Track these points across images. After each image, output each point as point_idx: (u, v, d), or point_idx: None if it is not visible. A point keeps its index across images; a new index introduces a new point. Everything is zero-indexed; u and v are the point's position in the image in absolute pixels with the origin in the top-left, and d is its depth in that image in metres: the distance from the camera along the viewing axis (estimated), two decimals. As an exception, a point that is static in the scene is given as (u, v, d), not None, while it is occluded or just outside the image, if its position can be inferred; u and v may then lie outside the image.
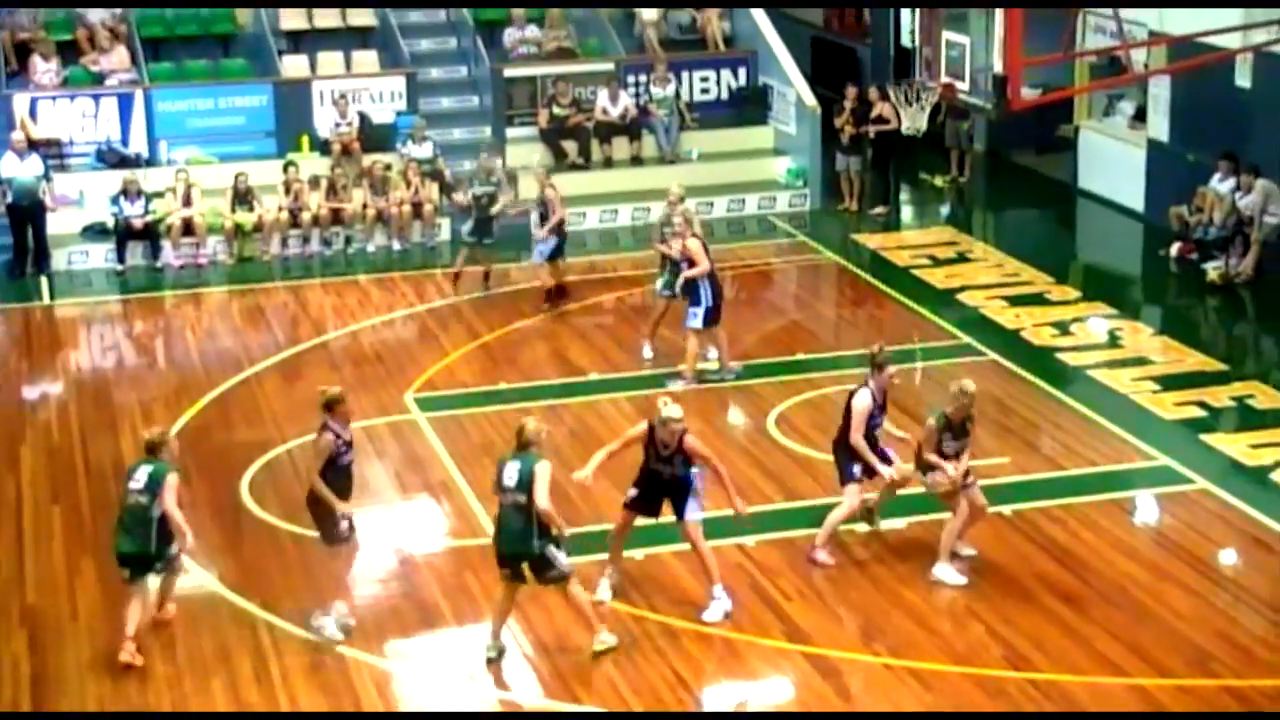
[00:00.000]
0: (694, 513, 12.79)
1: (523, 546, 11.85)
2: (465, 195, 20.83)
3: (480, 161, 21.02)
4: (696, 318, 17.14)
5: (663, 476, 12.81)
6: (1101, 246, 23.65)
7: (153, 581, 12.48)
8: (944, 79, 18.30)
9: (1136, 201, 23.50)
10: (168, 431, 13.23)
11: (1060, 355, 18.27)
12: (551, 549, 11.86)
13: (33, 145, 21.73)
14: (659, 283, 18.02)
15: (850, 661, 12.08)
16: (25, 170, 21.23)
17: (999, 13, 17.02)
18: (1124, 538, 14.02)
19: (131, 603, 12.20)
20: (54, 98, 22.93)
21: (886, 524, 14.01)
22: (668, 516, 13.10)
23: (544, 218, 19.62)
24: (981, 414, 16.24)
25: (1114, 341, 18.72)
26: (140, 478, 12.26)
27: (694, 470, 12.73)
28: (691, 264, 17.12)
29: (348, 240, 22.50)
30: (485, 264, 20.62)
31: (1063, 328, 19.05)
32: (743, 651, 12.27)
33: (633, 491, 12.97)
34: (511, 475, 11.86)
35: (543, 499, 11.73)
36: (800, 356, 18.27)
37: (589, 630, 12.20)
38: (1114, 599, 12.93)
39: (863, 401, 13.44)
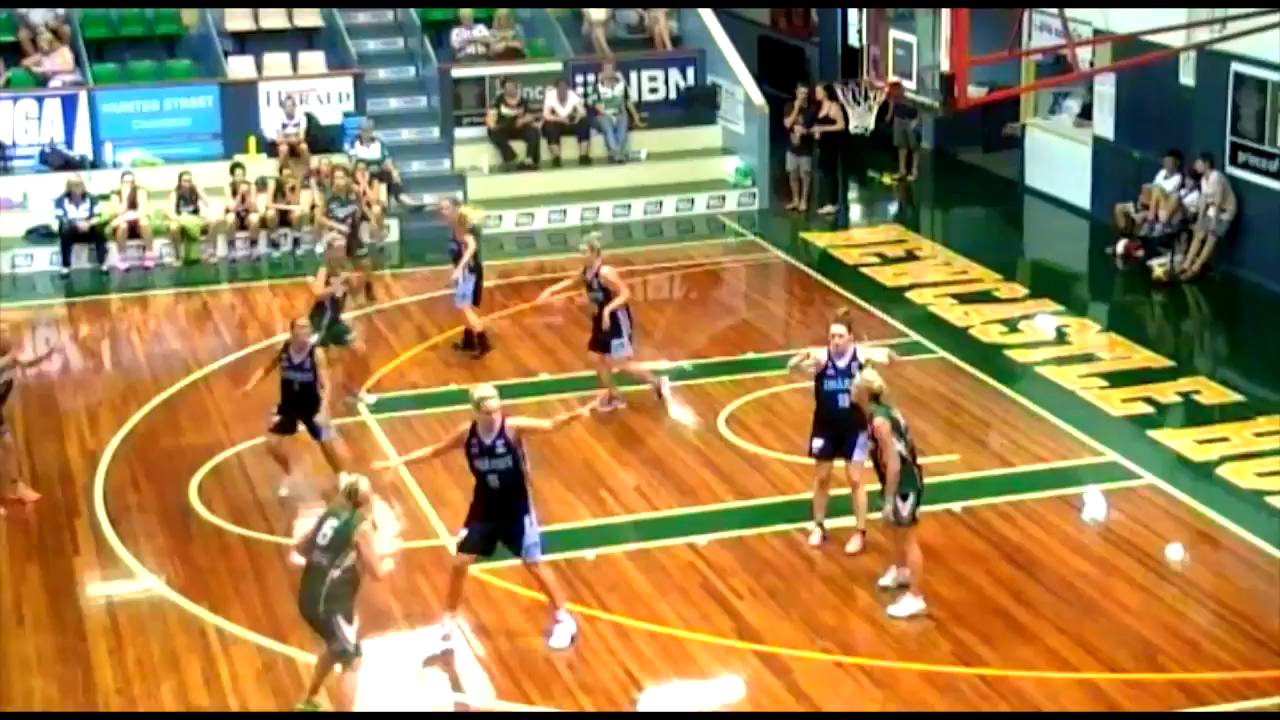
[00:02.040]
0: (533, 553, 12.15)
1: (311, 610, 10.92)
2: (329, 219, 20.48)
3: (337, 182, 20.76)
4: (623, 347, 16.38)
5: (489, 484, 11.94)
6: (1048, 244, 23.78)
7: None
8: (891, 78, 18.35)
9: (1083, 199, 23.64)
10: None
11: (1008, 352, 18.35)
12: (339, 620, 10.85)
13: (-26, 149, 21.60)
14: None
15: (801, 659, 12.10)
16: (-33, 173, 21.11)
17: (945, 12, 17.08)
18: (1072, 533, 14.10)
19: None
20: (-4, 99, 22.77)
21: (835, 522, 13.99)
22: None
23: (456, 256, 17.96)
24: (931, 411, 16.38)
25: (1061, 338, 18.82)
26: None
27: (529, 516, 12.09)
28: (609, 295, 16.22)
29: (295, 242, 22.40)
30: (366, 276, 20.26)
31: (1011, 325, 19.14)
32: (694, 650, 12.27)
33: (463, 532, 12.23)
34: (326, 534, 10.84)
35: (375, 569, 10.91)
36: (750, 355, 18.30)
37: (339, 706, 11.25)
38: (1063, 594, 13.00)
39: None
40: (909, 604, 12.66)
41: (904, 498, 12.43)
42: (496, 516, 12.06)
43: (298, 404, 14.51)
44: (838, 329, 13.49)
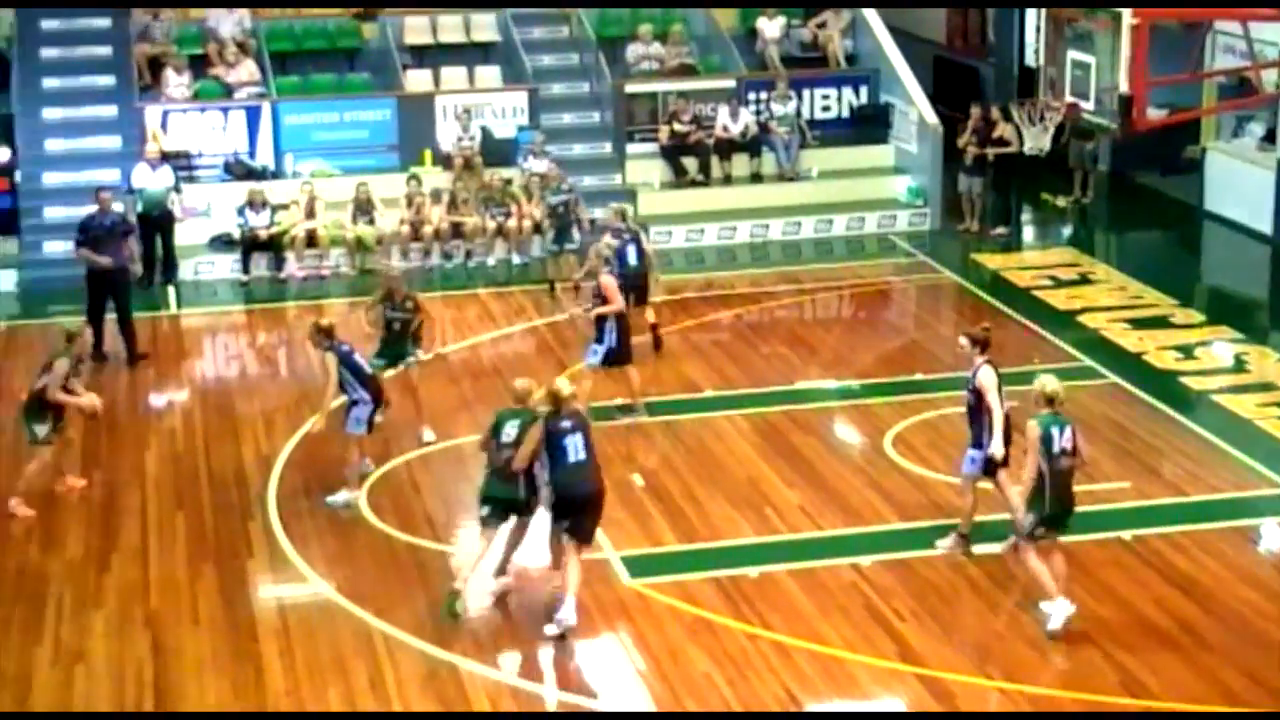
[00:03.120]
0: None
1: (514, 493, 12.82)
2: (542, 207, 21.44)
3: (549, 172, 21.68)
4: (596, 355, 16.70)
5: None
6: (1227, 269, 23.32)
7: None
8: (1068, 99, 18.17)
9: (1264, 224, 23.14)
10: (81, 325, 15.82)
11: (1183, 379, 18.02)
12: (533, 498, 12.93)
13: (164, 157, 22.14)
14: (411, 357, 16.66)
15: (964, 685, 11.99)
16: (156, 181, 21.62)
17: (1125, 32, 16.86)
18: (1247, 566, 13.80)
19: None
20: (185, 110, 23.36)
21: (1003, 546, 13.84)
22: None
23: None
24: (1101, 437, 16.15)
25: (1239, 366, 18.44)
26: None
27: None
28: (605, 300, 16.52)
29: (468, 254, 22.69)
30: (563, 271, 20.97)
31: (1186, 351, 18.79)
32: (855, 671, 12.21)
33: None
34: (510, 433, 12.72)
35: (523, 455, 12.61)
36: (919, 377, 18.16)
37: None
38: (1235, 628, 12.73)
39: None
40: (1054, 611, 12.45)
41: (1036, 511, 12.43)
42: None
43: None
44: (961, 340, 13.84)
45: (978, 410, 13.42)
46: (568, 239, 20.97)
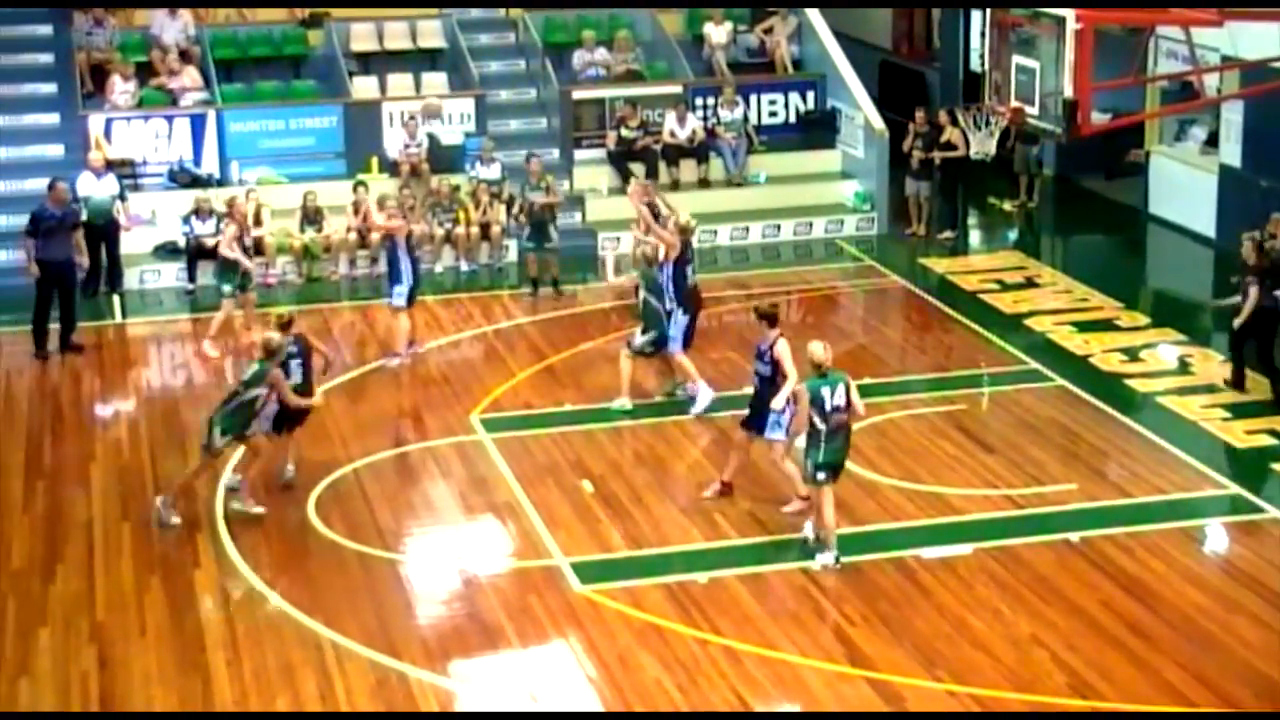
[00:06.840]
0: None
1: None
2: (521, 202, 21.72)
3: (531, 167, 21.78)
4: (402, 297, 18.58)
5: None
6: (1172, 273, 23.47)
7: None
8: (1013, 103, 18.25)
9: (1208, 228, 23.30)
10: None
11: (1129, 381, 18.12)
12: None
13: (108, 165, 21.98)
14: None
15: (914, 688, 12.02)
16: (101, 190, 21.44)
17: (1069, 36, 16.95)
18: (1193, 566, 13.89)
19: None
20: (129, 118, 23.18)
21: (952, 550, 13.94)
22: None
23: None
24: (1048, 440, 16.23)
25: (1184, 368, 18.56)
26: None
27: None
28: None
29: (415, 261, 22.54)
30: (552, 270, 21.23)
31: (1132, 354, 18.90)
32: (806, 676, 12.22)
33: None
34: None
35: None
36: (866, 381, 18.14)
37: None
38: (1182, 628, 12.81)
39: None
40: (821, 558, 13.70)
41: (811, 460, 13.77)
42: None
43: None
44: (754, 315, 15.09)
45: (773, 379, 14.57)
46: (545, 238, 21.17)
